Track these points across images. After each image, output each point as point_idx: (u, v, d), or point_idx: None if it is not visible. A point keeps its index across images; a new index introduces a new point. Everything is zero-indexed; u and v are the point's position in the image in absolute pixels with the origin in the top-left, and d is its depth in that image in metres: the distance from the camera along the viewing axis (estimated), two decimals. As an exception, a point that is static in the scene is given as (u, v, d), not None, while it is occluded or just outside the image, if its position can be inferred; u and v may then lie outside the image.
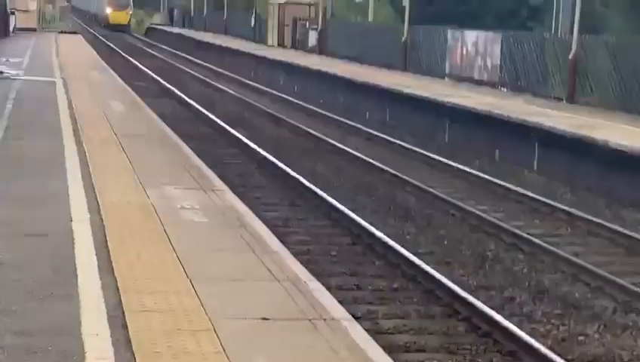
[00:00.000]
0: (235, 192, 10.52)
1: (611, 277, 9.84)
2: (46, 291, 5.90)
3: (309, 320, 5.68)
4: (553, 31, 27.95)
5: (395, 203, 13.66)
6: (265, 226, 8.56)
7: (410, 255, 10.10)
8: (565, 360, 7.37)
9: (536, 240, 11.33)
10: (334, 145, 18.63)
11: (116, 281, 6.15)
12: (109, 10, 72.98)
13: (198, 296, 5.94)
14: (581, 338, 8.13)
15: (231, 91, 29.59)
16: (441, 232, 11.95)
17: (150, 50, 49.41)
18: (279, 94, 29.31)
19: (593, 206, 14.11)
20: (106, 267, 6.49)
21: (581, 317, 8.75)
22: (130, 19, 73.40)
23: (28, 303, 5.68)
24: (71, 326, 5.28)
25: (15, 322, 5.33)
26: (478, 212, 12.91)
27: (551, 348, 7.55)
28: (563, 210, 13.40)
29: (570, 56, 20.96)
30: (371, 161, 16.78)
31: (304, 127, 21.05)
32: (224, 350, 5.05)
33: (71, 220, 7.90)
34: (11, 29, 42.54)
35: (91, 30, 68.80)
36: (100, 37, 58.05)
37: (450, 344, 7.80)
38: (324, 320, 5.71)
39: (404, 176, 15.34)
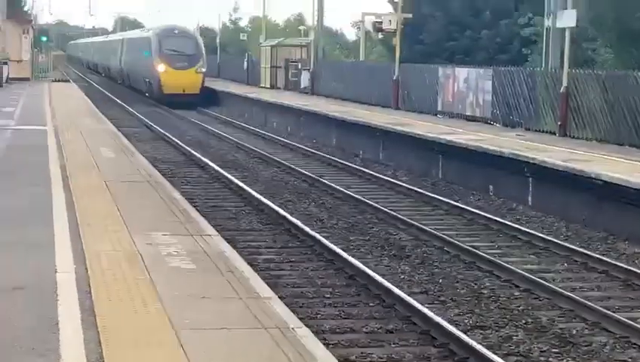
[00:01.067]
0: (224, 236, 10.38)
1: (609, 312, 9.69)
2: (27, 346, 5.73)
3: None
4: (543, 65, 28.03)
5: (388, 241, 13.53)
6: (253, 271, 8.41)
7: (405, 295, 9.96)
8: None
9: (532, 276, 11.20)
10: (328, 185, 18.54)
11: (99, 334, 5.98)
12: (161, 68, 42.03)
13: (183, 348, 5.77)
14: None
15: (225, 133, 29.60)
16: (435, 270, 11.81)
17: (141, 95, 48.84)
18: (272, 135, 29.42)
19: (589, 240, 13.99)
20: (89, 320, 6.32)
21: (580, 354, 8.59)
22: (202, 83, 43.09)
23: (9, 358, 5.51)
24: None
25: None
26: (472, 248, 12.77)
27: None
28: (558, 245, 13.27)
29: (562, 91, 20.95)
30: (365, 199, 16.68)
31: (297, 168, 21.04)
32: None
33: (55, 271, 7.74)
34: (4, 79, 42.47)
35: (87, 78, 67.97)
36: (94, 84, 58.60)
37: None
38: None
39: (397, 214, 15.22)
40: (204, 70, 43.21)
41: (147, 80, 45.07)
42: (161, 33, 44.39)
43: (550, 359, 8.43)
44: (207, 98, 42.41)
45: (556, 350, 8.68)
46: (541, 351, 8.62)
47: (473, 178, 19.11)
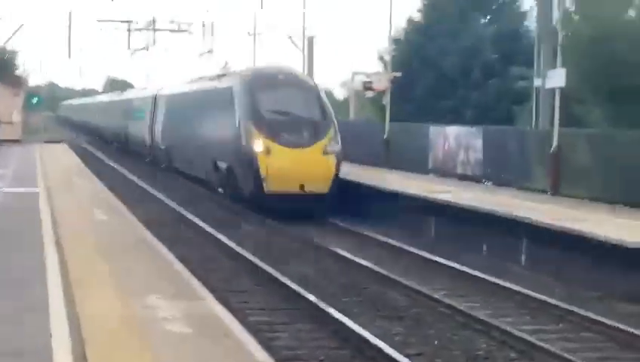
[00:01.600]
0: (218, 298, 10.30)
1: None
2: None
3: None
4: (534, 123, 28.29)
5: (383, 302, 13.45)
6: (249, 334, 8.33)
7: (400, 356, 9.86)
8: None
9: (528, 337, 11.12)
10: (319, 246, 18.48)
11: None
12: (259, 146, 23.29)
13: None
14: None
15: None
16: (430, 331, 11.72)
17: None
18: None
19: (584, 300, 13.94)
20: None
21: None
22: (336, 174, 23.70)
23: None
24: None
25: None
26: (466, 309, 12.71)
27: None
28: (553, 305, 13.21)
29: (552, 150, 21.08)
30: (357, 260, 16.62)
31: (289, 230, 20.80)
32: None
33: (50, 336, 7.65)
34: None
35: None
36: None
37: None
38: None
39: (391, 275, 15.16)
40: (337, 149, 24.01)
41: (225, 166, 25.46)
42: (255, 79, 25.34)
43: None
44: (342, 200, 23.73)
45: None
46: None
47: (466, 237, 19.08)
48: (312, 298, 12.67)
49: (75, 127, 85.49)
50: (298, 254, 17.70)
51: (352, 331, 10.96)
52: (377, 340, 10.46)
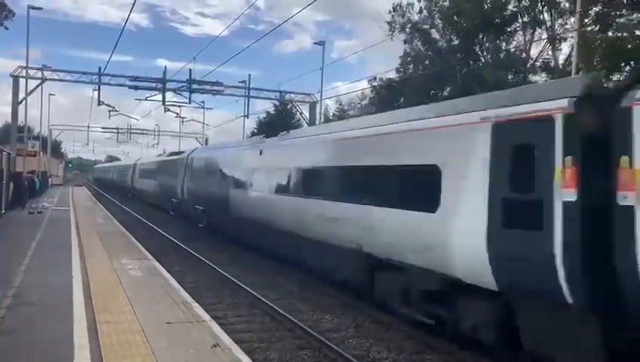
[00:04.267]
0: (157, 259, 18.88)
1: None
2: None
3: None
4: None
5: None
6: (171, 276, 16.58)
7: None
8: None
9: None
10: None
11: None
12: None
13: None
14: None
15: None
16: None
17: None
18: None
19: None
20: None
21: None
22: None
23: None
24: None
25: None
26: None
27: None
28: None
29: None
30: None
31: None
32: None
33: (72, 277, 15.93)
34: (49, 184, 75.12)
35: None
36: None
37: None
38: None
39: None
40: None
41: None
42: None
43: None
44: None
45: None
46: None
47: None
48: (198, 255, 22.64)
49: (100, 182, 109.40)
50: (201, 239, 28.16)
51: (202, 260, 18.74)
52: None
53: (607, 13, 35.65)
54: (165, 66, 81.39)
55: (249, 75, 74.10)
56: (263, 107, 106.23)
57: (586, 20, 35.41)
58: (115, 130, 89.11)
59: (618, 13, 35.67)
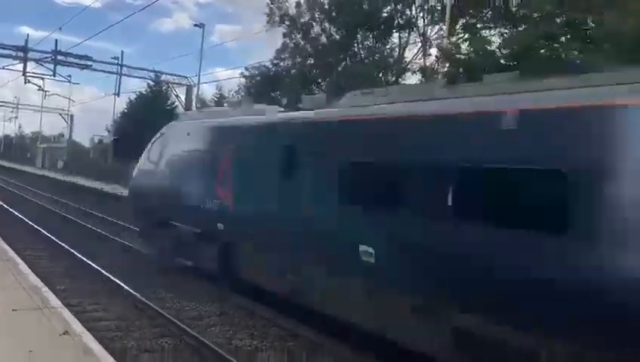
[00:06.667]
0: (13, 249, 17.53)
1: None
2: None
3: None
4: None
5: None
6: (21, 259, 15.47)
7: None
8: None
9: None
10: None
11: None
12: None
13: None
14: None
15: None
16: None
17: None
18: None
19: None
20: None
21: None
22: None
23: None
24: None
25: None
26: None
27: None
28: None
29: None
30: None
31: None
32: None
33: None
34: None
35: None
36: None
37: None
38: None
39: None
40: None
41: None
42: None
43: None
44: None
45: None
46: None
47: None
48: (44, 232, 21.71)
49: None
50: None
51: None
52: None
53: (472, 24, 36.21)
54: (28, 34, 78.18)
55: (122, 51, 72.48)
56: (137, 86, 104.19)
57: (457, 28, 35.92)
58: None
59: (485, 25, 36.38)
